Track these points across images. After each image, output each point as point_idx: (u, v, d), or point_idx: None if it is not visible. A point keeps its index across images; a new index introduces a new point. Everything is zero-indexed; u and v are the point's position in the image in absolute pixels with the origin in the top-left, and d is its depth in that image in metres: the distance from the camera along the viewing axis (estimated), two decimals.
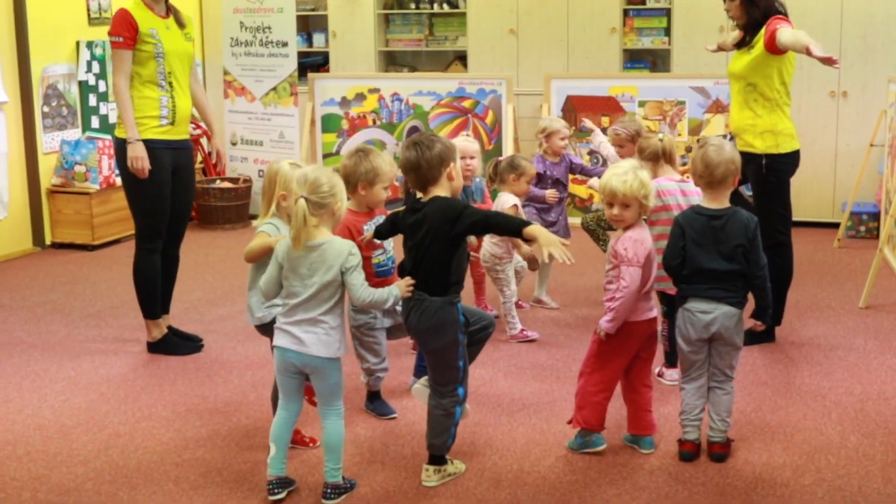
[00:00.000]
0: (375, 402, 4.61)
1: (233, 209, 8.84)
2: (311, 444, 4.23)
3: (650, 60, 9.19)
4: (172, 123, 5.45)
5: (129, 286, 6.78)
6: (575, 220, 6.96)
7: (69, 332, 5.91)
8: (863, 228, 8.17)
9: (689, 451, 4.11)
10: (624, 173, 3.96)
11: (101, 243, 8.09)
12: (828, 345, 5.48)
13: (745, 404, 4.61)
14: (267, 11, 8.85)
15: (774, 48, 5.11)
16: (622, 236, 4.01)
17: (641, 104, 8.60)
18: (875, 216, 8.14)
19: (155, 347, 5.52)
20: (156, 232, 5.46)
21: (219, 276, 7.13)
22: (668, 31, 8.92)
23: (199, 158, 9.40)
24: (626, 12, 8.98)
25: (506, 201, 5.64)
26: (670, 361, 4.91)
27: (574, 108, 8.74)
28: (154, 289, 5.53)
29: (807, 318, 5.95)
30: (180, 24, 5.55)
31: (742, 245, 4.04)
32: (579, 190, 8.44)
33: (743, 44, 5.40)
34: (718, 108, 8.47)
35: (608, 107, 8.71)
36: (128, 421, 4.57)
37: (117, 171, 5.90)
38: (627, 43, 9.03)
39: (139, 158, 5.28)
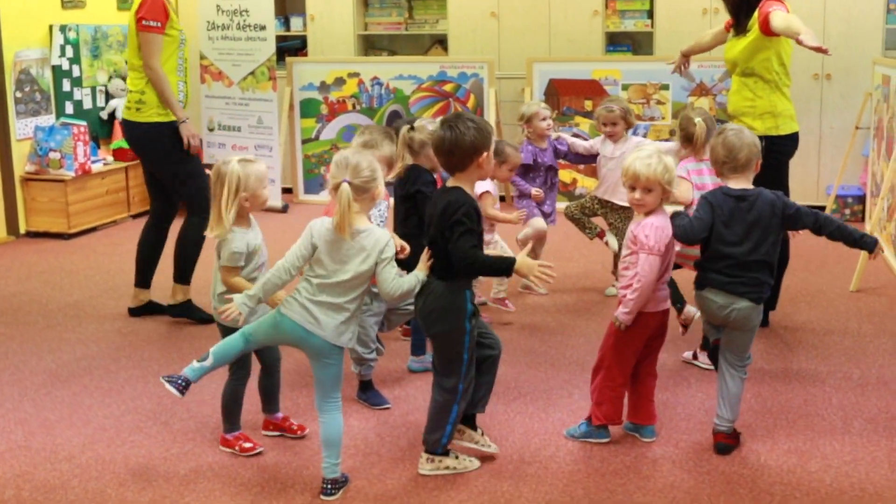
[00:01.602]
0: (368, 392, 4.49)
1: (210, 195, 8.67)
2: (299, 432, 4.14)
3: (632, 43, 9.09)
4: (184, 107, 5.72)
5: (108, 275, 6.72)
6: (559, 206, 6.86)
7: (48, 323, 5.75)
8: (848, 212, 8.13)
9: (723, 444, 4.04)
10: (648, 156, 3.84)
11: (76, 231, 7.93)
12: (822, 329, 5.42)
13: (745, 390, 4.51)
14: None
15: (769, 31, 5.01)
16: (643, 222, 3.88)
17: (625, 87, 8.51)
18: (860, 199, 8.10)
19: (178, 310, 5.75)
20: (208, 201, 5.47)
21: (200, 264, 6.95)
22: (650, 14, 8.83)
23: None
24: None
25: (476, 188, 5.53)
26: (705, 345, 4.83)
27: (557, 91, 8.64)
28: (198, 256, 5.78)
29: (798, 302, 5.89)
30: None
31: (775, 225, 3.93)
32: (562, 174, 8.35)
33: (738, 28, 5.30)
34: (702, 90, 8.40)
35: (591, 90, 8.62)
36: (112, 414, 4.43)
37: (140, 154, 5.93)
38: (610, 26, 8.93)
39: (195, 136, 5.64)
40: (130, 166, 8.50)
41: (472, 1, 9.07)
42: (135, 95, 5.60)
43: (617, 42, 9.11)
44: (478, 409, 3.93)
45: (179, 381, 3.63)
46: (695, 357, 4.92)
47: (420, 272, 3.67)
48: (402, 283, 3.59)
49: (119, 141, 8.56)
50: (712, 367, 4.77)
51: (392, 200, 4.82)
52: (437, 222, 3.64)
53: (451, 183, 3.70)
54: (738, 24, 5.32)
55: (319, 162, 9.10)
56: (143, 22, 5.46)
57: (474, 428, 3.94)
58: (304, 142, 9.13)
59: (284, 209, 8.78)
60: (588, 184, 8.61)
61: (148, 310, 5.85)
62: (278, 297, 3.71)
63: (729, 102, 5.49)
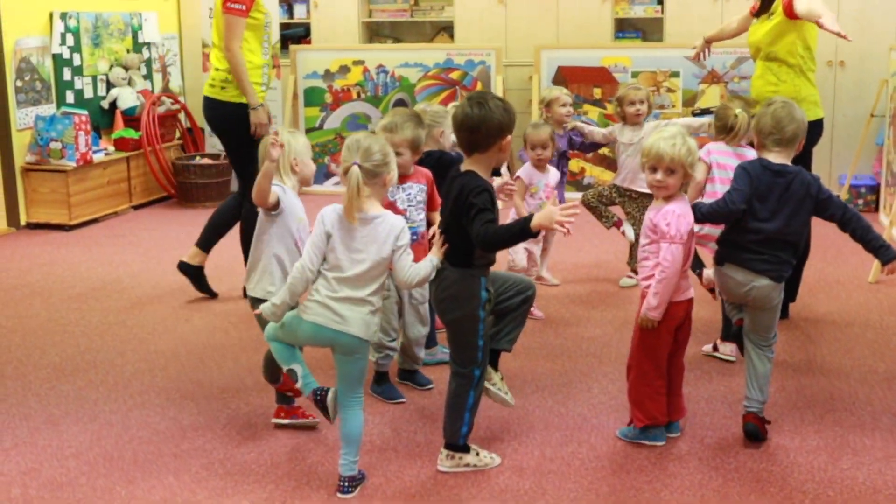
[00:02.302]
0: (384, 386, 4.37)
1: (213, 186, 8.55)
2: (311, 419, 4.04)
3: (642, 30, 8.96)
4: (266, 89, 5.79)
5: (110, 267, 6.59)
6: (573, 196, 6.75)
7: (50, 315, 5.62)
8: (861, 202, 8.01)
9: (751, 424, 3.95)
10: (672, 136, 3.70)
11: (78, 223, 7.80)
12: (843, 321, 5.30)
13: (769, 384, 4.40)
14: None
15: (793, 14, 4.90)
16: (663, 210, 3.73)
17: (635, 75, 8.38)
18: (873, 189, 7.98)
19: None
20: None
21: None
22: (660, 0, 8.69)
23: (178, 134, 9.12)
24: None
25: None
26: (725, 334, 4.72)
27: (565, 79, 8.51)
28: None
29: (817, 293, 5.77)
30: None
31: (808, 207, 3.84)
32: (570, 164, 8.21)
33: (762, 11, 5.17)
34: (713, 78, 8.28)
35: (600, 77, 8.49)
36: (119, 409, 4.30)
37: (210, 132, 5.99)
38: (619, 12, 8.81)
39: (264, 125, 5.61)
40: (132, 156, 8.37)
41: None
42: (220, 74, 5.64)
43: (626, 28, 8.97)
44: (502, 345, 3.79)
45: (317, 397, 3.62)
46: (715, 349, 4.80)
47: (434, 257, 3.54)
48: (419, 269, 3.47)
49: (121, 131, 8.43)
50: (733, 359, 4.67)
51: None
52: (451, 207, 3.52)
53: (466, 165, 3.56)
54: (763, 6, 5.19)
55: (324, 151, 8.96)
56: (228, 4, 5.48)
57: (495, 368, 3.82)
58: (308, 131, 8.99)
59: None
60: (595, 173, 8.49)
61: (193, 276, 5.89)
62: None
63: (752, 87, 5.36)
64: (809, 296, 5.67)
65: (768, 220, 3.81)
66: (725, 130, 4.71)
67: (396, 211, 4.10)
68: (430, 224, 4.26)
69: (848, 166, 8.02)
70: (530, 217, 3.39)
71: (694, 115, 8.25)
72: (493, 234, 3.40)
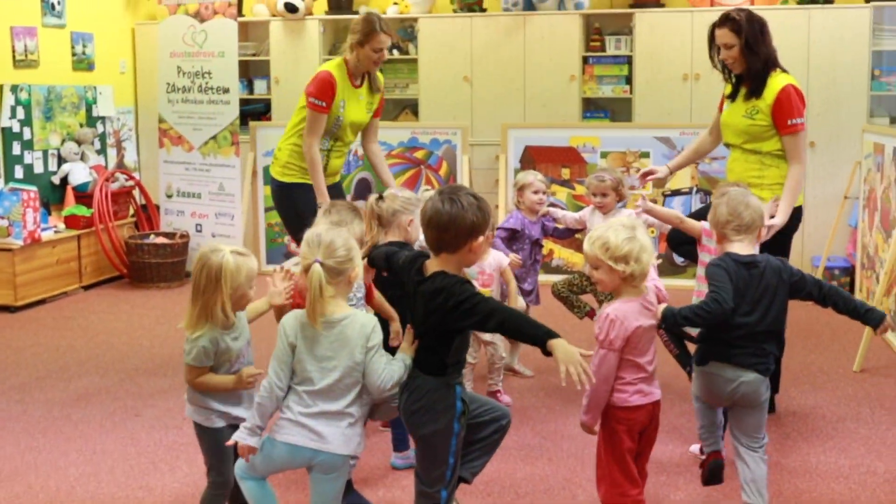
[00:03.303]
0: (349, 496, 4.01)
1: (168, 266, 8.20)
2: None
3: (610, 110, 8.80)
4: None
5: (57, 353, 6.21)
6: (544, 279, 6.49)
7: None
8: (835, 284, 7.81)
9: (716, 461, 3.83)
10: (594, 235, 3.45)
11: (24, 304, 7.41)
12: (833, 416, 5.04)
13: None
14: (207, 56, 8.28)
15: (784, 133, 4.82)
16: (601, 311, 3.48)
17: (604, 155, 8.20)
18: (847, 271, 7.82)
19: None
20: None
21: (156, 342, 6.49)
22: (628, 80, 8.56)
23: (132, 212, 8.79)
24: (585, 59, 8.62)
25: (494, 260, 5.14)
26: None
27: (533, 158, 8.31)
28: None
29: (801, 384, 5.52)
30: (374, 89, 5.71)
31: (783, 292, 3.70)
32: (563, 253, 8.06)
33: (745, 93, 4.97)
34: None
35: (568, 157, 8.30)
36: None
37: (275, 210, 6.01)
38: (587, 91, 8.65)
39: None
40: (83, 234, 8.02)
41: (444, 65, 8.75)
42: (283, 156, 5.67)
43: (594, 108, 8.82)
44: (463, 473, 3.44)
45: None
46: (702, 452, 4.50)
47: (406, 355, 3.24)
48: (393, 372, 3.17)
49: (72, 207, 8.09)
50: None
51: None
52: (425, 313, 3.21)
53: (432, 266, 3.27)
54: (736, 90, 4.99)
55: (283, 231, 8.66)
56: (310, 98, 5.47)
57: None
58: (268, 210, 8.70)
59: None
60: (564, 255, 8.25)
61: None
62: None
63: (730, 172, 5.13)
64: (794, 387, 5.42)
65: (749, 314, 3.67)
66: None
67: None
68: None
69: (820, 248, 7.86)
70: (554, 334, 3.09)
71: (665, 196, 8.15)
72: (514, 318, 3.12)
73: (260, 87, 9.27)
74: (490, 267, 5.13)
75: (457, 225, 3.18)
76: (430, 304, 3.17)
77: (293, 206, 5.55)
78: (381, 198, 4.35)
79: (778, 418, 4.97)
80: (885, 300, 6.28)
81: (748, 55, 4.89)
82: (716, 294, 3.61)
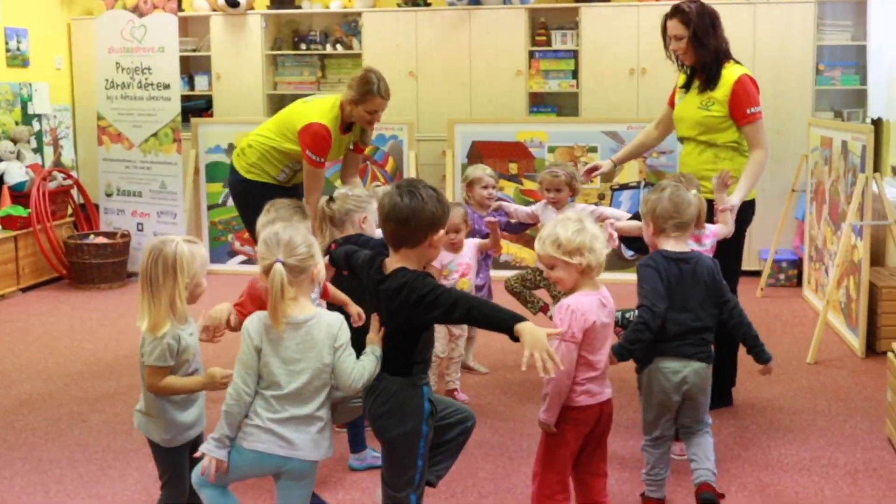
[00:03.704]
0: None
1: (109, 266, 7.99)
2: None
3: (557, 104, 8.76)
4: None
5: None
6: (495, 274, 6.42)
7: None
8: (783, 276, 7.87)
9: None
10: (546, 231, 3.41)
11: None
12: (791, 408, 5.04)
13: (728, 482, 4.10)
14: (146, 51, 8.09)
15: (741, 124, 4.81)
16: (560, 303, 3.41)
17: (551, 150, 8.16)
18: (794, 263, 7.86)
19: None
20: None
21: (100, 345, 6.31)
22: (575, 74, 8.52)
23: (70, 211, 8.57)
24: (531, 54, 8.57)
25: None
26: (675, 434, 4.38)
27: (480, 154, 8.24)
28: None
29: (757, 377, 5.43)
30: (363, 142, 5.72)
31: (711, 290, 3.77)
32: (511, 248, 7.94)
33: (700, 86, 4.94)
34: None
35: (516, 152, 8.24)
36: None
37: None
38: (533, 86, 8.60)
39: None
40: (20, 235, 7.79)
41: (389, 60, 8.63)
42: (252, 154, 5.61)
43: (540, 103, 8.77)
44: (428, 476, 3.35)
45: None
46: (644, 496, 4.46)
47: (375, 346, 3.14)
48: (364, 368, 3.06)
49: (8, 208, 7.85)
50: (684, 457, 4.34)
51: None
52: (390, 311, 3.11)
53: (392, 262, 3.17)
54: (690, 81, 4.96)
55: (227, 229, 8.52)
56: (307, 153, 5.31)
57: None
58: (210, 207, 8.54)
59: None
60: (513, 250, 8.20)
61: None
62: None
63: (683, 165, 5.09)
64: (750, 380, 5.39)
65: (683, 311, 3.73)
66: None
67: None
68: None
69: (768, 241, 7.88)
70: (520, 318, 3.00)
71: (613, 191, 8.13)
72: (479, 305, 3.04)
73: (201, 83, 9.09)
74: (466, 256, 5.08)
75: (417, 218, 3.09)
76: (393, 303, 3.08)
77: (252, 204, 5.40)
78: (331, 199, 4.25)
79: (736, 411, 4.95)
80: (834, 293, 6.32)
81: (697, 47, 4.87)
82: (643, 305, 3.69)
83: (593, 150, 8.08)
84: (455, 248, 5.08)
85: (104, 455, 4.48)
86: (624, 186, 8.11)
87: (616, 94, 8.35)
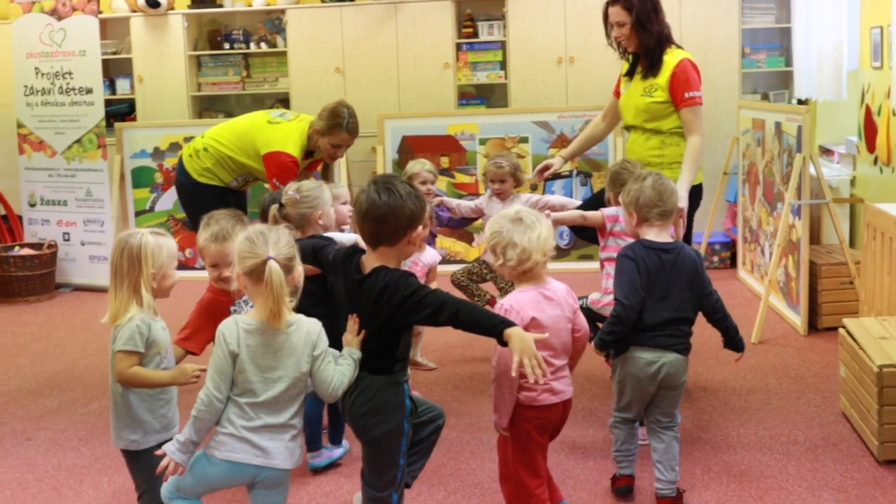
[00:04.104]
0: None
1: (37, 279, 7.76)
2: None
3: (486, 96, 8.74)
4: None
5: None
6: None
7: None
8: (716, 259, 7.96)
9: (626, 486, 3.83)
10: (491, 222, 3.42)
11: None
12: (742, 388, 5.08)
13: (692, 465, 4.11)
14: (67, 55, 7.86)
15: (679, 107, 4.83)
16: (499, 302, 3.38)
17: (483, 142, 8.13)
18: (727, 245, 7.95)
19: None
20: None
21: (36, 360, 6.11)
22: (503, 65, 8.51)
23: None
24: (458, 46, 8.53)
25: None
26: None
27: (411, 148, 8.18)
28: None
29: (706, 360, 5.54)
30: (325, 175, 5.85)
31: (693, 282, 3.74)
32: (445, 242, 7.93)
33: (643, 72, 4.95)
34: (563, 142, 8.08)
35: (448, 146, 8.20)
36: None
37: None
38: (462, 78, 8.56)
39: None
40: None
41: (315, 57, 8.55)
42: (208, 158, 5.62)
43: (469, 95, 8.74)
44: (406, 480, 3.31)
45: None
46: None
47: (353, 349, 3.07)
48: (344, 375, 3.00)
49: None
50: (646, 441, 4.35)
51: None
52: (375, 313, 3.05)
53: (372, 260, 3.11)
54: (645, 67, 4.96)
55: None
56: (273, 180, 5.36)
57: None
58: (138, 214, 8.35)
59: None
60: (447, 244, 8.14)
61: None
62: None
63: (629, 152, 5.11)
64: (698, 363, 5.44)
65: (662, 300, 3.69)
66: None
67: None
68: None
69: (701, 225, 7.94)
70: (510, 322, 2.97)
71: (545, 181, 8.12)
72: (467, 308, 2.97)
73: (123, 86, 8.88)
74: (424, 261, 5.03)
75: (396, 216, 3.03)
76: (378, 303, 3.01)
77: (203, 207, 5.29)
78: (281, 206, 4.14)
79: (689, 394, 4.97)
80: (774, 273, 6.40)
81: (640, 32, 4.88)
82: (616, 299, 3.68)
83: (525, 140, 8.08)
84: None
85: (55, 473, 4.33)
86: (556, 176, 8.11)
87: (545, 83, 8.36)
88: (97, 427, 4.84)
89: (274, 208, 4.15)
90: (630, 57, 5.02)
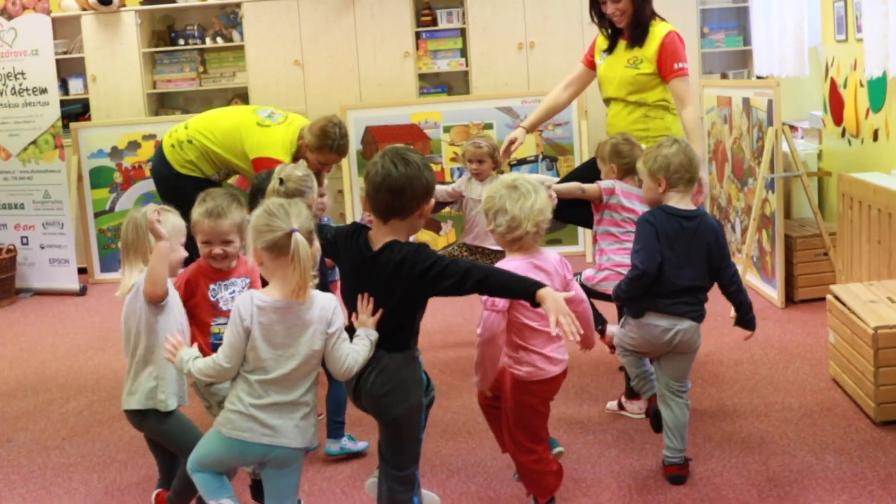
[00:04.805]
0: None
1: None
2: None
3: (447, 84, 8.69)
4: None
5: None
6: None
7: None
8: None
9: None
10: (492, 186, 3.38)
11: None
12: (729, 360, 5.08)
13: (692, 435, 4.08)
14: (19, 55, 7.68)
15: (668, 80, 4.80)
16: None
17: (447, 129, 8.08)
18: None
19: None
20: None
21: (4, 364, 5.95)
22: (463, 53, 8.47)
23: None
24: (418, 35, 8.46)
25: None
26: (630, 392, 4.39)
27: (375, 139, 8.11)
28: None
29: None
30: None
31: (713, 251, 3.69)
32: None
33: (614, 47, 4.92)
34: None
35: (412, 135, 8.14)
36: None
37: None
38: (422, 67, 8.50)
39: None
40: None
41: (272, 50, 8.43)
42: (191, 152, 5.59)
43: (430, 84, 8.68)
44: None
45: None
46: (621, 407, 4.45)
47: (369, 329, 3.00)
48: (358, 354, 2.93)
49: None
50: (642, 416, 4.33)
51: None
52: (392, 289, 2.98)
53: (382, 234, 3.04)
54: (630, 39, 4.91)
55: (116, 236, 8.15)
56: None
57: None
58: (97, 215, 8.18)
59: (82, 291, 7.77)
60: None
61: None
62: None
63: (611, 126, 5.03)
64: None
65: (681, 268, 3.65)
66: (635, 170, 4.33)
67: (219, 313, 3.52)
68: None
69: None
70: (541, 284, 2.92)
71: (511, 166, 8.10)
72: (494, 274, 2.93)
73: (76, 86, 8.68)
74: None
75: (413, 186, 2.97)
76: (394, 279, 2.94)
77: (182, 198, 5.20)
78: (281, 181, 4.06)
79: None
80: (744, 247, 6.42)
81: (639, 4, 4.85)
82: (636, 260, 3.65)
83: (489, 126, 8.04)
84: None
85: (42, 473, 4.20)
86: (522, 161, 8.09)
87: (506, 69, 8.32)
88: (78, 426, 4.72)
89: (275, 182, 4.05)
90: (609, 31, 4.98)
